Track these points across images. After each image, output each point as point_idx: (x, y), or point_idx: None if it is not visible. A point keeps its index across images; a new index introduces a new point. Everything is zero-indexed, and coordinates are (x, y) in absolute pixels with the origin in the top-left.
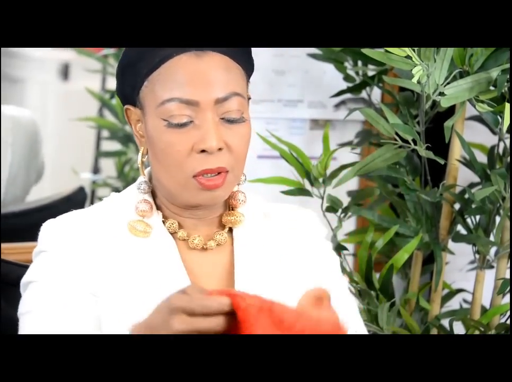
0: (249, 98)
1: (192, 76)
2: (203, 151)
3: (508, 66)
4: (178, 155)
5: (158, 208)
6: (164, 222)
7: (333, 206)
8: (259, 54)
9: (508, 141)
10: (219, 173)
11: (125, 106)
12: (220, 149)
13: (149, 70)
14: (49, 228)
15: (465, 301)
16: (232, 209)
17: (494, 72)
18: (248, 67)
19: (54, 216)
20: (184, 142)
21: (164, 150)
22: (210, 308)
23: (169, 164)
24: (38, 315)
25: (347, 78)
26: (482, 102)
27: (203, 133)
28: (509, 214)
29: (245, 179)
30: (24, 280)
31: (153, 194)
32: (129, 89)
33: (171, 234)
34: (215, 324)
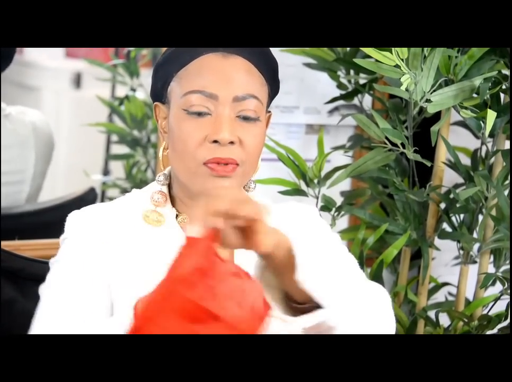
0: (269, 113)
1: (216, 72)
2: (215, 142)
3: (489, 74)
4: (192, 142)
5: (173, 201)
6: (177, 216)
7: (327, 205)
8: None
9: (490, 145)
10: (227, 164)
11: (155, 103)
12: (232, 142)
13: (180, 67)
14: (73, 218)
15: (450, 293)
16: None
17: (477, 81)
18: (273, 85)
19: (67, 215)
20: (199, 131)
21: (180, 137)
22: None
23: (183, 150)
24: (54, 293)
25: (340, 86)
26: (466, 108)
27: (218, 125)
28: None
29: (255, 186)
30: (50, 262)
31: (171, 188)
32: (159, 86)
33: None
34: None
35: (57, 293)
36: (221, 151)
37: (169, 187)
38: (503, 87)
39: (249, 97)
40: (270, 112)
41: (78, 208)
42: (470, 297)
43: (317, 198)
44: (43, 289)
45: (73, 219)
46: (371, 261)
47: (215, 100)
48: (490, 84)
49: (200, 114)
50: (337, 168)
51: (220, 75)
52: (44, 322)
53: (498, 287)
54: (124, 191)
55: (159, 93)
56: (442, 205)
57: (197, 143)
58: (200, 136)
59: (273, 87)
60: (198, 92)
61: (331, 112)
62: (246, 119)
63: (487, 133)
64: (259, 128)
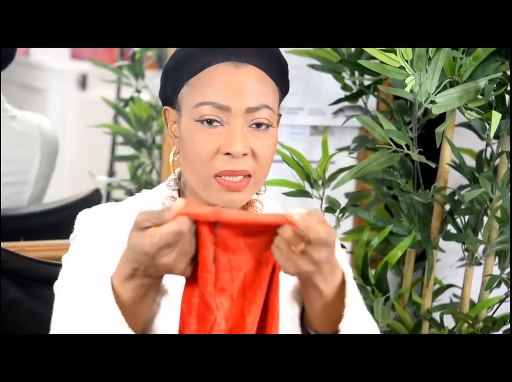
0: (280, 115)
1: (228, 83)
2: (228, 154)
3: (494, 76)
4: (204, 154)
5: None
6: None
7: (331, 207)
8: None
9: (495, 147)
10: (243, 176)
11: (164, 107)
12: (245, 154)
13: (190, 75)
14: (82, 216)
15: (454, 295)
16: None
17: (482, 82)
18: (283, 86)
19: (72, 216)
20: (212, 143)
21: (193, 148)
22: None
23: (195, 161)
24: (67, 293)
25: (344, 87)
26: (471, 109)
27: (231, 138)
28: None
29: (265, 189)
30: (62, 258)
31: (182, 192)
32: (169, 91)
33: None
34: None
35: (70, 292)
36: (234, 163)
37: (179, 190)
38: (508, 88)
39: (262, 107)
40: (280, 114)
41: (83, 209)
42: (475, 299)
43: (322, 199)
44: (56, 289)
45: (84, 217)
46: (375, 262)
47: (228, 111)
48: (495, 85)
49: (211, 122)
50: (341, 170)
51: (232, 86)
52: (62, 323)
53: (503, 289)
54: (129, 192)
55: (169, 98)
56: (447, 207)
57: (210, 155)
58: (213, 147)
59: (284, 87)
60: (210, 103)
61: (336, 113)
62: (258, 129)
63: (492, 134)
64: (272, 136)
